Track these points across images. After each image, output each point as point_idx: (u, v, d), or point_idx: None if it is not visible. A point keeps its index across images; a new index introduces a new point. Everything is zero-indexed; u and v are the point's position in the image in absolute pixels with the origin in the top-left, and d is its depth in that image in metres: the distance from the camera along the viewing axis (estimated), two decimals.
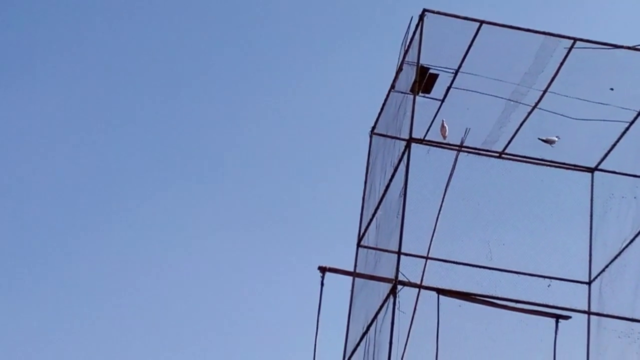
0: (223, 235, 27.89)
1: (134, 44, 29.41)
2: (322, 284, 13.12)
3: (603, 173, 14.52)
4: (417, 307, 12.57)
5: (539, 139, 14.19)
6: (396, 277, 12.27)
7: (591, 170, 14.63)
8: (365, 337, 13.23)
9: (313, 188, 28.64)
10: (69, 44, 29.17)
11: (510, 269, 13.93)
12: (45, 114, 28.69)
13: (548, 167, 14.52)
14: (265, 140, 29.27)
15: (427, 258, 13.40)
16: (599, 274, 14.10)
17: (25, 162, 28.83)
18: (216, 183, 29.24)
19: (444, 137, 14.00)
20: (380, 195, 14.04)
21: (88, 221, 28.51)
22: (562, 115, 13.75)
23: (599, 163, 14.54)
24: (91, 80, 28.85)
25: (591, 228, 14.37)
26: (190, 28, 29.53)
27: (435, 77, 13.66)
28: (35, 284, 27.90)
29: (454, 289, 12.96)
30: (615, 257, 13.86)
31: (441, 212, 13.61)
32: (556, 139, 14.10)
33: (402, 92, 13.87)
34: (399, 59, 14.18)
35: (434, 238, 13.50)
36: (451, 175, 13.76)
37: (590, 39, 13.30)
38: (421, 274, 13.05)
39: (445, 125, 13.95)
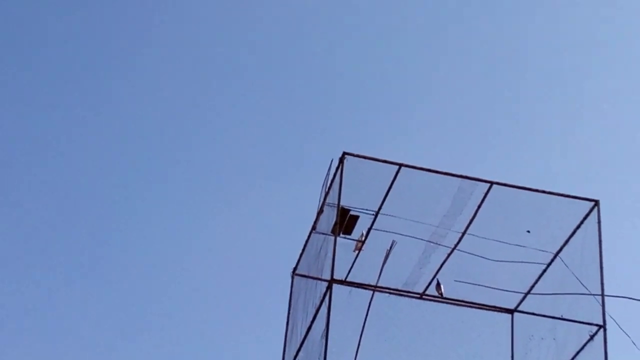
0: None
1: None
2: None
3: (522, 314, 14.63)
4: None
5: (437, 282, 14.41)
6: None
7: (511, 311, 14.73)
8: None
9: (233, 330, 28.33)
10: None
11: None
12: None
13: (468, 308, 14.59)
14: (184, 281, 29.01)
15: None
16: None
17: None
18: (143, 330, 28.81)
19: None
20: (302, 336, 13.93)
21: None
22: (480, 256, 13.92)
23: (519, 304, 14.65)
24: None
25: None
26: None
27: (356, 218, 13.78)
28: None
29: None
30: None
31: (363, 353, 13.53)
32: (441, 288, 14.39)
33: (323, 233, 13.94)
34: (319, 200, 14.31)
35: None
36: (367, 316, 13.77)
37: (507, 182, 13.61)
38: None
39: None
